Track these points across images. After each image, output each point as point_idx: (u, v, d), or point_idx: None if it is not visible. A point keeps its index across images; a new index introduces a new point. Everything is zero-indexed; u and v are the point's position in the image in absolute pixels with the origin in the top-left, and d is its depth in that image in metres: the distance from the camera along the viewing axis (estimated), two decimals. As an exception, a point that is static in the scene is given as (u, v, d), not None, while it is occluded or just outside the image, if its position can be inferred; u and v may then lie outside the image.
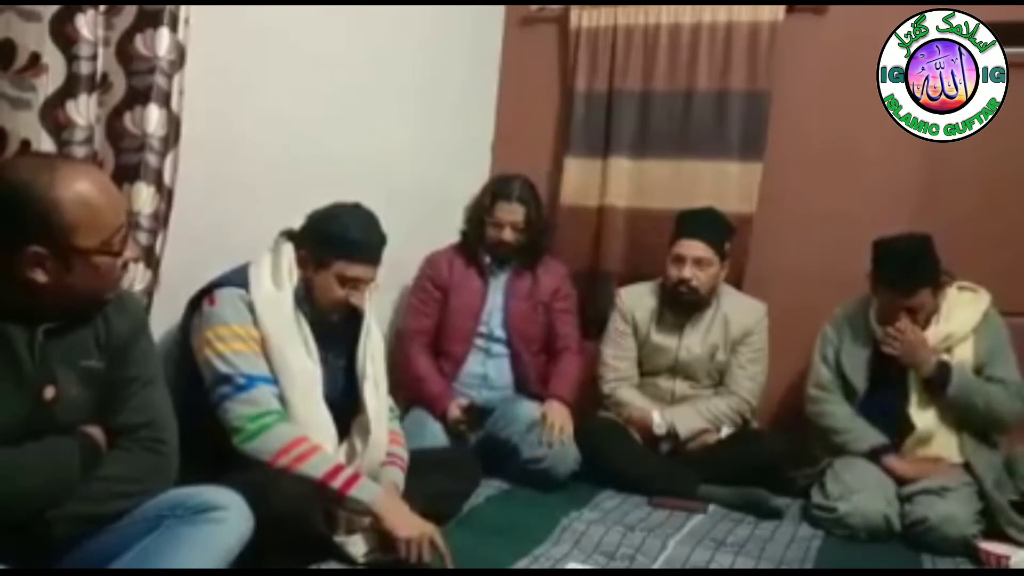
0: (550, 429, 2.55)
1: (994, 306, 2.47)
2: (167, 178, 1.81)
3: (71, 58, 1.58)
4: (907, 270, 2.40)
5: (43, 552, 1.36)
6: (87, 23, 1.58)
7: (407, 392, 2.69)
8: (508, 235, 2.76)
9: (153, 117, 1.74)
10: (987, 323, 2.45)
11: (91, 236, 1.32)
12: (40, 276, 1.30)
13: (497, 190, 2.80)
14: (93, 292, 1.40)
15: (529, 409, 2.65)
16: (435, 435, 2.59)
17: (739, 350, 2.75)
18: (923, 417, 2.43)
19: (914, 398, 2.44)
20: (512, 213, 2.76)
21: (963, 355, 2.43)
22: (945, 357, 2.41)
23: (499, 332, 2.79)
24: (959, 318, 2.44)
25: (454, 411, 2.64)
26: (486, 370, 2.78)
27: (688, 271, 2.68)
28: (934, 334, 2.43)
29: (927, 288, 2.40)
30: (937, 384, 2.39)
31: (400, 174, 2.82)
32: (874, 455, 2.42)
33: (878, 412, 2.49)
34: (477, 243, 2.82)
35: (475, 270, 2.82)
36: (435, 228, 2.92)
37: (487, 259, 2.82)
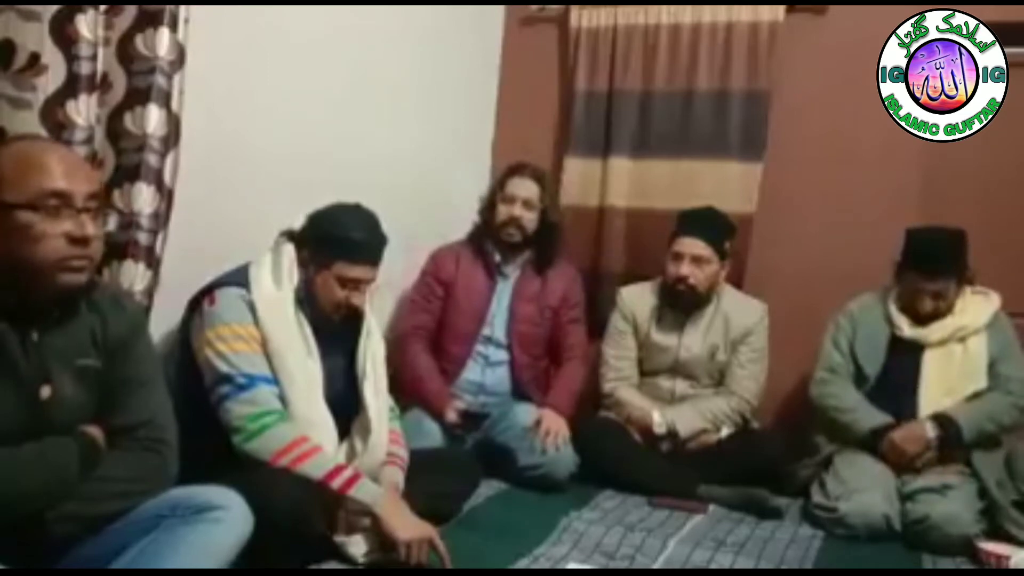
0: (544, 436, 2.52)
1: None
2: (167, 178, 1.81)
3: (71, 58, 1.58)
4: (937, 253, 2.45)
5: (42, 552, 1.35)
6: (87, 23, 1.58)
7: (406, 390, 2.67)
8: (519, 210, 2.68)
9: (153, 117, 1.74)
10: (998, 321, 2.49)
11: (16, 191, 1.27)
12: None
13: (512, 169, 2.77)
14: (29, 260, 1.28)
15: (526, 414, 2.63)
16: (432, 435, 2.56)
17: (739, 350, 2.75)
18: (933, 406, 2.44)
19: (924, 386, 2.46)
20: (525, 188, 2.70)
21: (977, 349, 2.47)
22: (945, 410, 2.41)
23: (501, 336, 2.75)
24: (972, 313, 2.49)
25: (451, 415, 2.61)
26: (483, 379, 2.74)
27: (686, 269, 2.68)
28: (949, 325, 2.47)
29: (952, 276, 2.44)
30: (954, 440, 2.38)
31: (400, 174, 2.82)
32: (878, 435, 2.43)
33: (888, 400, 2.50)
34: (487, 234, 2.76)
35: (483, 268, 2.77)
36: (435, 228, 2.92)
37: (496, 256, 2.76)
